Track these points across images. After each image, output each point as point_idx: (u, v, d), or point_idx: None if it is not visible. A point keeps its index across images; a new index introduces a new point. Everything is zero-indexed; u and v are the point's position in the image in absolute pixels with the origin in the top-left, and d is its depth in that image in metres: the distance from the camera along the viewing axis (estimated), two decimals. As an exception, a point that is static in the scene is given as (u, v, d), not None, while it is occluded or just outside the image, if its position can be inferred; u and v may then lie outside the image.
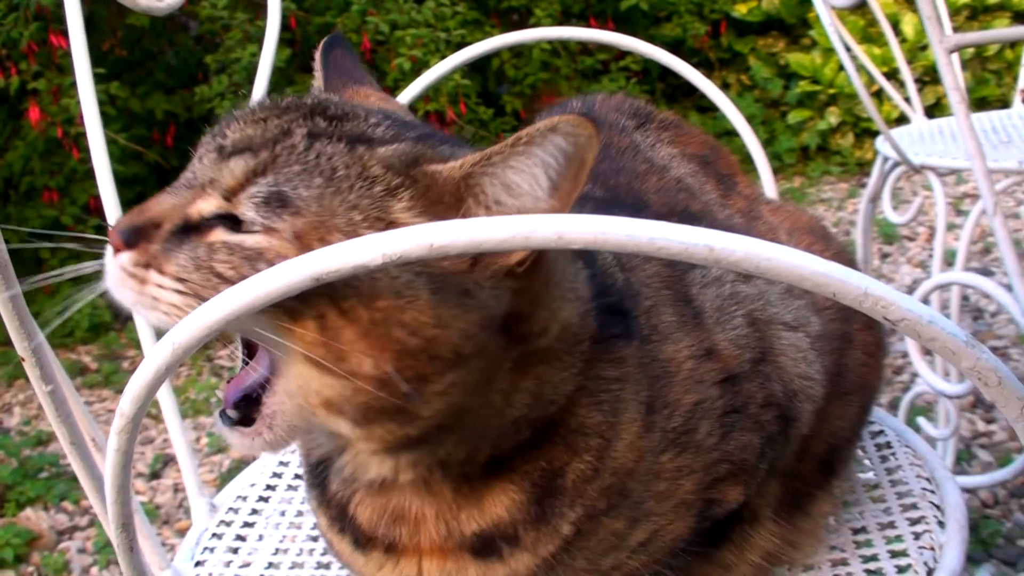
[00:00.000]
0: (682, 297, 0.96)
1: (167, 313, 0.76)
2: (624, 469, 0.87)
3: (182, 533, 2.94)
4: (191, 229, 0.77)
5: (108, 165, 1.34)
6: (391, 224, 0.75)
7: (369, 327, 0.73)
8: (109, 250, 0.80)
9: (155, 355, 0.65)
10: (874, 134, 5.46)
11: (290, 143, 0.77)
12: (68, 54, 4.50)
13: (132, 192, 4.90)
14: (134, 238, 0.77)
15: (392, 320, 0.72)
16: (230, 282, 0.72)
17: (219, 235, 0.76)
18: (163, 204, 0.78)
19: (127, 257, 0.77)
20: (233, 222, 0.76)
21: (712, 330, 0.95)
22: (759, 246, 0.57)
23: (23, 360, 0.81)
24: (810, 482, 1.09)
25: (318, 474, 0.96)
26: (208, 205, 0.77)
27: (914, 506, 1.13)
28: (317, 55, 0.99)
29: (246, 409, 0.81)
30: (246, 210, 0.75)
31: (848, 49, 2.45)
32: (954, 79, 1.66)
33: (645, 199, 1.07)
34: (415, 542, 0.90)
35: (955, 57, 2.63)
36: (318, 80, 0.98)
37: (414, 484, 0.87)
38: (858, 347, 1.12)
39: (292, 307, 0.72)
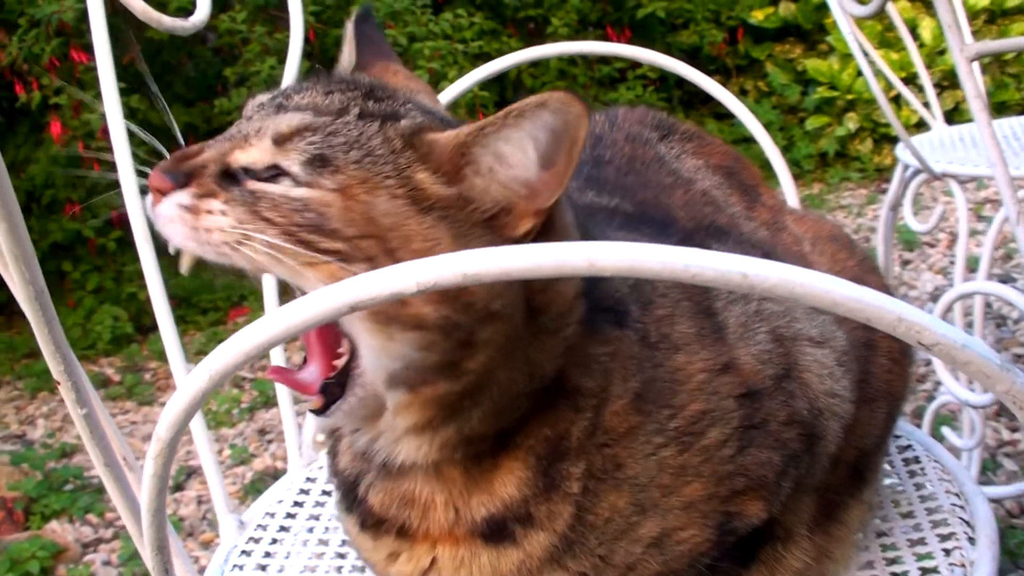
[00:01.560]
0: (704, 310, 0.97)
1: (217, 245, 0.81)
2: (615, 432, 0.89)
3: (206, 545, 2.96)
4: (230, 176, 0.82)
5: (135, 180, 1.35)
6: (416, 189, 0.81)
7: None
8: (149, 199, 0.84)
9: (192, 381, 0.66)
10: (893, 139, 5.46)
11: (345, 120, 0.83)
12: (89, 69, 4.52)
13: (152, 204, 4.93)
14: (184, 179, 0.81)
15: None
16: (275, 225, 0.78)
17: (258, 184, 0.80)
18: (205, 153, 0.83)
19: (183, 194, 0.81)
20: (271, 174, 0.81)
21: (734, 345, 0.96)
22: (793, 272, 0.57)
23: (58, 384, 0.82)
24: (842, 490, 1.09)
25: (332, 444, 1.03)
26: (247, 156, 0.82)
27: (944, 522, 1.13)
28: (349, 27, 1.01)
29: (334, 386, 0.86)
30: (292, 164, 0.80)
31: (866, 55, 2.45)
32: (975, 87, 1.65)
33: (672, 214, 1.08)
34: (424, 527, 0.93)
35: (975, 64, 2.62)
36: (348, 53, 1.01)
37: (426, 470, 0.90)
38: (883, 354, 1.12)
39: (348, 253, 0.78)
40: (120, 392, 4.07)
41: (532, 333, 0.85)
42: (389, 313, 0.79)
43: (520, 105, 0.76)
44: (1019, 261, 3.94)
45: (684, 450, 0.91)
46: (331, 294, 0.61)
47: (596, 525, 0.90)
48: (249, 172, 0.81)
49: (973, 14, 5.27)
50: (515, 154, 0.78)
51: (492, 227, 0.81)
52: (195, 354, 4.40)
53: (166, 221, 0.82)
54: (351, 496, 0.98)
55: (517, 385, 0.86)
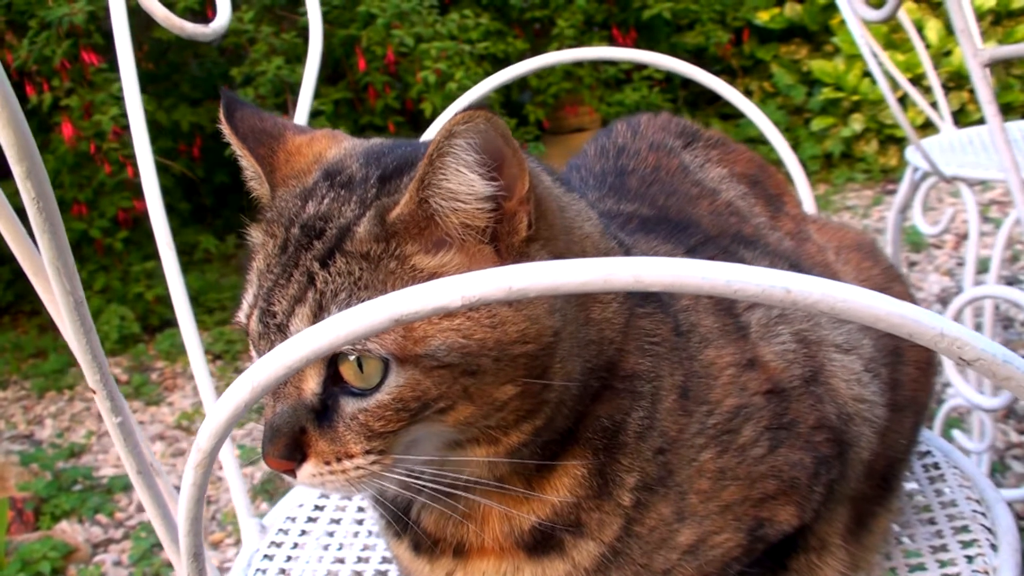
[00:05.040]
0: (725, 308, 0.98)
1: (366, 479, 0.83)
2: (668, 435, 0.90)
3: (215, 546, 2.96)
4: (319, 412, 0.81)
5: (157, 185, 1.35)
6: (421, 271, 0.80)
7: (498, 369, 0.79)
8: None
9: (233, 393, 0.66)
10: (898, 140, 5.46)
11: (321, 279, 0.80)
12: (100, 71, 4.48)
13: (159, 204, 4.95)
14: (298, 454, 0.81)
15: (506, 349, 0.79)
16: (392, 431, 0.80)
17: (349, 405, 0.80)
18: (282, 414, 0.81)
19: (310, 467, 0.82)
20: (338, 376, 0.80)
21: (756, 344, 0.97)
22: (835, 288, 0.57)
23: (94, 392, 0.83)
24: (872, 500, 1.10)
25: None
26: (311, 383, 0.81)
27: (965, 528, 1.13)
28: (223, 123, 0.94)
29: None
30: (352, 358, 0.79)
31: (876, 57, 2.46)
32: (989, 92, 1.66)
33: (699, 223, 1.08)
34: (480, 542, 0.92)
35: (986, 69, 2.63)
36: (238, 150, 0.94)
37: (488, 484, 0.89)
38: (910, 362, 1.12)
39: (444, 405, 0.80)
40: (127, 392, 4.07)
41: (585, 316, 0.86)
42: (483, 422, 0.81)
43: (435, 144, 0.77)
44: (1025, 263, 3.95)
45: (723, 451, 0.91)
46: (375, 309, 0.62)
47: (642, 535, 0.90)
48: (327, 389, 0.81)
49: (979, 15, 5.28)
50: (460, 185, 0.79)
51: (499, 237, 0.82)
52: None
53: (319, 487, 0.84)
54: (401, 521, 0.96)
55: (587, 363, 0.86)
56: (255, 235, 0.90)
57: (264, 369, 0.65)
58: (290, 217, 0.86)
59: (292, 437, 0.80)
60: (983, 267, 3.07)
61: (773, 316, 0.98)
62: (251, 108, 0.96)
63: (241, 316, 0.86)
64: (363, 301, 0.76)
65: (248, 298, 0.86)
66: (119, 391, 0.87)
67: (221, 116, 0.93)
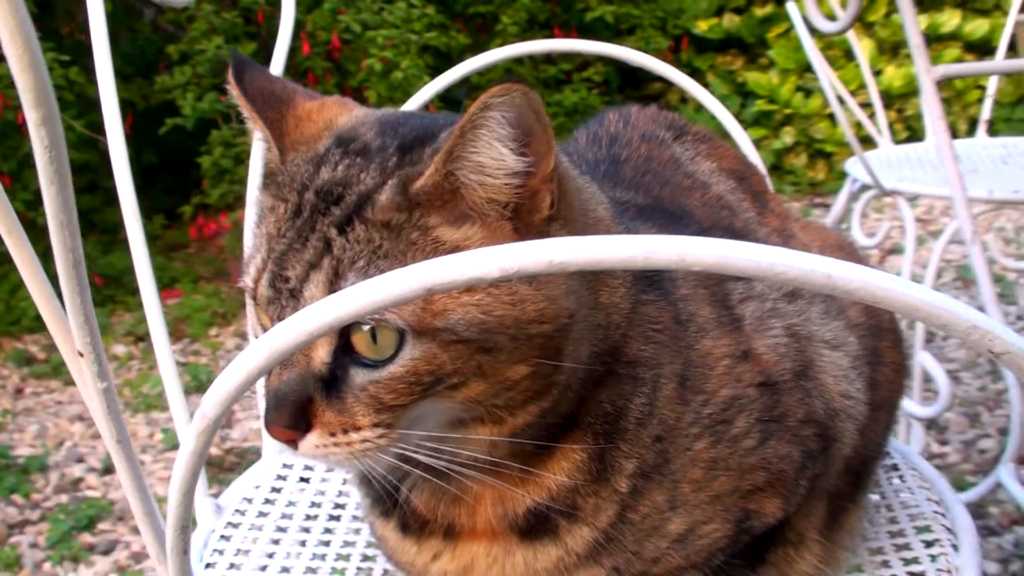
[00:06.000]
0: (720, 300, 0.99)
1: (371, 453, 0.81)
2: (666, 422, 0.90)
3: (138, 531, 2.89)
4: (328, 382, 0.80)
5: (125, 153, 1.31)
6: (444, 244, 0.79)
7: (513, 348, 0.78)
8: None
9: (248, 358, 0.64)
10: (827, 155, 5.59)
11: (339, 245, 0.79)
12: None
13: (84, 179, 4.82)
14: (303, 424, 0.80)
15: (524, 328, 0.78)
16: (402, 405, 0.79)
17: (359, 376, 0.79)
18: (289, 382, 0.79)
19: (315, 438, 0.80)
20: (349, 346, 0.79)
21: (750, 336, 0.98)
22: (875, 276, 0.58)
23: (82, 355, 0.80)
24: (846, 496, 1.12)
25: None
26: (321, 351, 0.79)
27: (927, 528, 1.16)
28: (232, 84, 0.92)
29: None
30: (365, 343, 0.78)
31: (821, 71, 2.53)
32: (939, 108, 1.71)
33: (692, 214, 1.09)
34: (471, 524, 0.92)
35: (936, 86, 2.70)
36: (247, 112, 0.92)
37: (484, 464, 0.87)
38: (888, 364, 1.15)
39: (456, 381, 0.79)
40: (45, 371, 3.95)
41: (595, 300, 0.86)
42: (491, 401, 0.81)
43: (469, 115, 0.76)
44: (947, 279, 4.07)
45: (716, 442, 0.92)
46: (406, 276, 0.60)
47: (635, 522, 0.91)
48: (337, 358, 0.79)
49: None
50: (491, 159, 0.78)
51: (520, 215, 0.81)
52: (124, 334, 4.30)
53: (322, 459, 0.83)
54: (391, 498, 0.95)
55: (594, 347, 0.86)
56: (263, 199, 0.88)
57: (283, 335, 0.63)
58: (303, 182, 0.84)
59: (298, 406, 0.79)
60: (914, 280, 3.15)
61: (766, 310, 0.99)
62: (260, 70, 0.94)
63: (248, 280, 0.84)
64: (382, 270, 0.75)
65: (257, 262, 0.83)
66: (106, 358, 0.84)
67: (230, 76, 0.91)
